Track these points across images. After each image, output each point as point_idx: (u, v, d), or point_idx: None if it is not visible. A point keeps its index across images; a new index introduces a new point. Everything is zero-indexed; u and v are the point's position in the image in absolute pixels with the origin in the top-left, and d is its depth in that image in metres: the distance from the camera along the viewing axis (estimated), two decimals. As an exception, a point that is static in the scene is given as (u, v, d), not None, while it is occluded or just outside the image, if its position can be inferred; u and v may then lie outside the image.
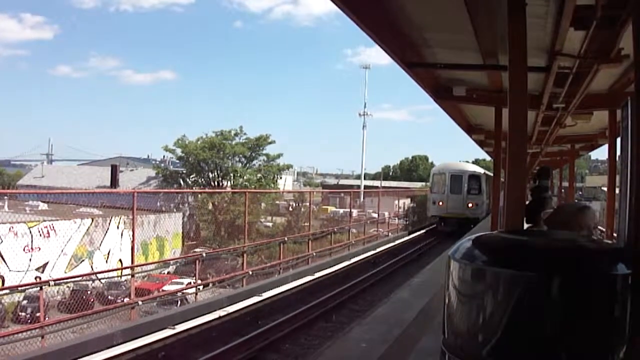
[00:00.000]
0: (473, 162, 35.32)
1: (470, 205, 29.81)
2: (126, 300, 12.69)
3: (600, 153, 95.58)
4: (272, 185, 42.38)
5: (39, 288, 10.71)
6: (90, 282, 17.91)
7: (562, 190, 31.00)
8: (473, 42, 7.60)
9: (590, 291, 2.18)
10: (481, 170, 32.12)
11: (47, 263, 20.88)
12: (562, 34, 6.03)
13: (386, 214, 32.96)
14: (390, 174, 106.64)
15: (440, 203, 30.36)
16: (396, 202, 36.40)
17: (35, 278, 18.91)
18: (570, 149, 21.10)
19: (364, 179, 75.28)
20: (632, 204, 2.58)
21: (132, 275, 12.51)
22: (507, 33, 5.26)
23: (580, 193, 63.82)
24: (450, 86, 10.97)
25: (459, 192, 30.03)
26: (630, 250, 2.53)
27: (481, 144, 21.55)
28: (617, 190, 10.65)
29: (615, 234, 7.37)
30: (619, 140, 3.28)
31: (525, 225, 5.72)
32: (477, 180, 30.63)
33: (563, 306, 2.12)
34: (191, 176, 43.37)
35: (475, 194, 30.14)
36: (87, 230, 23.03)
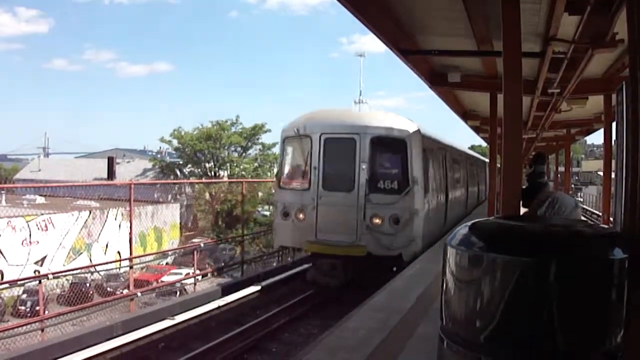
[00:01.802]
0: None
1: (376, 220, 11.53)
2: (125, 291, 12.72)
3: (596, 137, 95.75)
4: (269, 174, 42.36)
5: (38, 282, 10.73)
6: (89, 274, 17.94)
7: (559, 175, 31.05)
8: (467, 28, 7.58)
9: (587, 276, 2.19)
10: (410, 127, 11.91)
11: (45, 256, 20.92)
12: (557, 19, 6.02)
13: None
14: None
15: (301, 216, 12.14)
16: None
17: (34, 272, 18.94)
18: (566, 134, 21.15)
19: (361, 166, 74.92)
20: (628, 189, 2.59)
21: (131, 267, 12.53)
22: (501, 19, 5.26)
23: (577, 178, 64.07)
24: (445, 73, 10.98)
25: (348, 186, 11.75)
26: (626, 235, 2.54)
27: (477, 130, 21.56)
28: (613, 175, 10.68)
29: (611, 219, 7.41)
30: (614, 124, 3.27)
31: (522, 210, 5.77)
32: (397, 151, 11.74)
33: (560, 291, 2.12)
34: (188, 167, 43.36)
35: (391, 188, 11.66)
36: (85, 222, 23.07)
